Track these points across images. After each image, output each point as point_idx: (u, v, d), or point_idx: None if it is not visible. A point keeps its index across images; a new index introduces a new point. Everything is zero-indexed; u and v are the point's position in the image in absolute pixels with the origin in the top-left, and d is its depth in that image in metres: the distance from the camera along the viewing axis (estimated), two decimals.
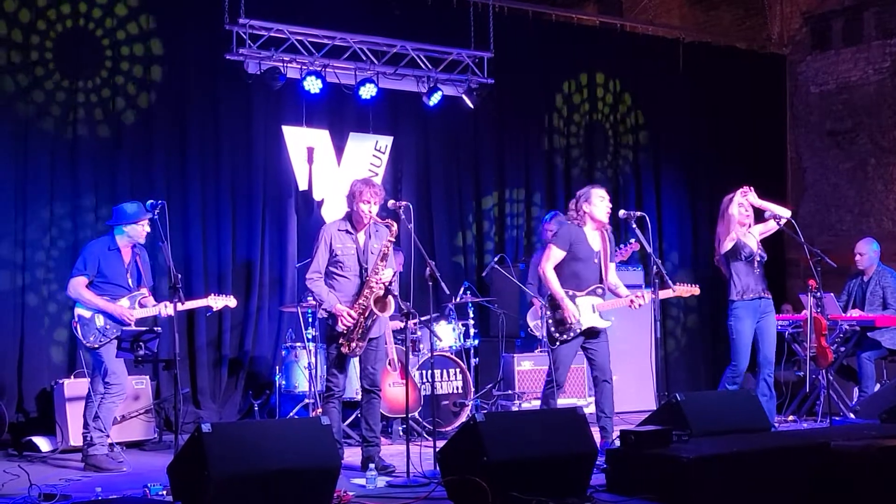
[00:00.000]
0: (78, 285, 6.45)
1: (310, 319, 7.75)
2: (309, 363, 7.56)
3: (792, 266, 11.18)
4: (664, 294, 6.77)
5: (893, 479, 5.08)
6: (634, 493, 5.19)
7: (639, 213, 6.78)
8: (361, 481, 5.72)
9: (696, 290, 6.97)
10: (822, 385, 7.90)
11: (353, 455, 6.57)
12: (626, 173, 10.67)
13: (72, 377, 7.35)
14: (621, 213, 6.75)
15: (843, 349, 8.54)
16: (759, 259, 7.26)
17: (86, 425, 6.42)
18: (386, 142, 9.19)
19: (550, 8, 10.68)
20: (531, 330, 8.55)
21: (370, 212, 6.19)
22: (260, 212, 8.66)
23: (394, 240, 6.28)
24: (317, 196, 8.84)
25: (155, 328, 6.43)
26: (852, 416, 8.01)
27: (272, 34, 8.29)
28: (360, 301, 6.16)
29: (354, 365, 6.79)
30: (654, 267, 6.53)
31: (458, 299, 8.31)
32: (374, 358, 6.33)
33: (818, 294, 7.68)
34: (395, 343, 7.58)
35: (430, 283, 6.18)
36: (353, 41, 8.67)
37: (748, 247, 7.22)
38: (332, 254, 6.24)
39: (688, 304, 10.52)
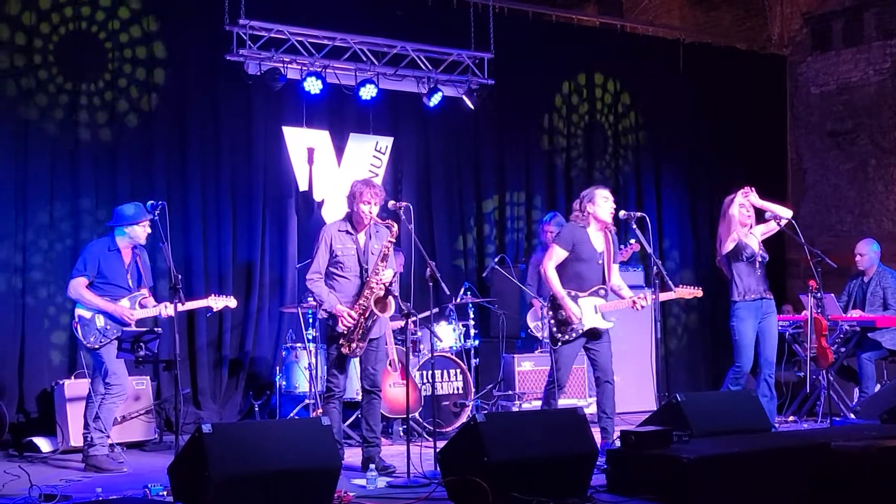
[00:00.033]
0: (78, 286, 6.45)
1: (310, 320, 7.75)
2: (309, 364, 7.56)
3: (792, 266, 11.18)
4: (666, 296, 6.77)
5: (894, 480, 5.09)
6: (635, 494, 5.19)
7: (639, 214, 6.78)
8: (362, 482, 5.72)
9: (698, 293, 6.96)
10: (823, 385, 7.90)
11: (353, 455, 6.57)
12: (627, 174, 10.67)
13: (72, 378, 7.36)
14: (621, 213, 6.74)
15: (843, 350, 8.54)
16: (760, 260, 7.25)
17: (86, 426, 6.42)
18: (386, 142, 9.19)
19: (550, 9, 10.69)
20: (531, 331, 8.56)
21: (370, 212, 6.19)
22: (260, 212, 8.66)
23: (394, 240, 6.28)
24: (317, 197, 8.84)
25: (155, 329, 6.44)
26: (853, 416, 8.01)
27: (272, 35, 8.29)
28: (361, 302, 6.16)
29: (355, 365, 6.80)
30: (655, 267, 6.54)
31: (458, 300, 8.31)
32: (375, 358, 6.32)
33: (818, 294, 7.68)
34: (396, 344, 7.59)
35: (431, 284, 6.19)
36: (354, 42, 8.68)
37: (749, 247, 7.22)
38: (332, 254, 6.24)
39: (688, 305, 10.51)
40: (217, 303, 6.74)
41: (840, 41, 11.36)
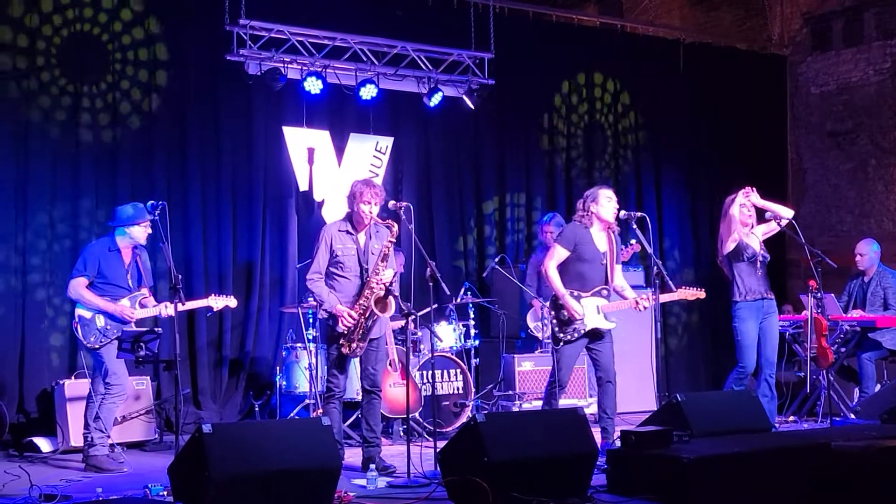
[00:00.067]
0: (78, 286, 6.45)
1: (310, 320, 7.76)
2: (309, 364, 7.56)
3: (793, 267, 11.18)
4: (669, 297, 6.77)
5: (894, 480, 5.09)
6: (635, 494, 5.19)
7: (639, 214, 6.78)
8: (362, 482, 5.72)
9: (701, 294, 6.93)
10: (823, 386, 7.90)
11: (353, 455, 6.57)
12: (627, 174, 10.67)
13: (72, 378, 7.36)
14: (622, 213, 6.73)
15: (843, 350, 8.54)
16: (761, 260, 7.24)
17: (86, 426, 6.43)
18: (386, 142, 9.19)
19: (551, 9, 10.69)
20: (531, 331, 8.56)
21: (371, 212, 6.19)
22: (260, 212, 8.66)
23: (394, 240, 6.28)
24: (317, 197, 8.84)
25: (155, 329, 6.44)
26: (853, 416, 8.01)
27: (273, 35, 8.29)
28: (361, 302, 6.16)
29: (355, 365, 6.80)
30: (655, 268, 6.53)
31: (458, 300, 8.31)
32: (375, 358, 6.32)
33: (819, 295, 7.68)
34: (396, 344, 7.59)
35: (431, 284, 6.19)
36: (354, 42, 8.68)
37: (750, 248, 7.21)
38: (332, 254, 6.24)
39: (689, 304, 10.47)
40: (217, 302, 6.74)
41: (840, 41, 11.36)
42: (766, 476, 5.17)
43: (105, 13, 8.05)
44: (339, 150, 8.98)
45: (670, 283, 6.69)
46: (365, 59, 8.73)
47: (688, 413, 5.73)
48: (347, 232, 6.28)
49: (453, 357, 7.96)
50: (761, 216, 7.38)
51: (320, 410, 6.79)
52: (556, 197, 10.18)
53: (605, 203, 6.65)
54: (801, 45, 11.74)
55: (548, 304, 6.86)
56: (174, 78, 8.30)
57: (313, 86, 8.35)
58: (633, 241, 8.20)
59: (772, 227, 7.37)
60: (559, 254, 6.63)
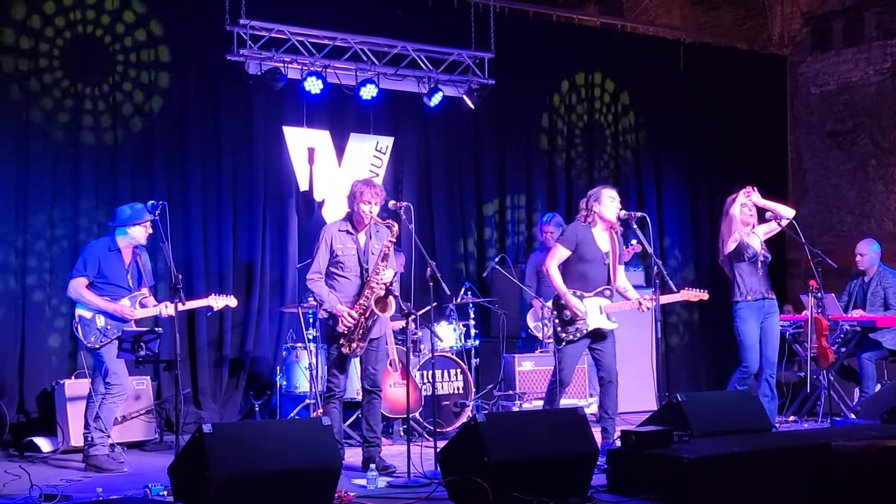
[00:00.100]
0: (78, 286, 6.45)
1: (310, 320, 7.75)
2: (310, 364, 7.56)
3: (793, 266, 11.18)
4: (671, 298, 6.76)
5: (893, 480, 5.08)
6: (635, 494, 5.19)
7: (639, 214, 6.77)
8: (362, 482, 5.72)
9: (703, 295, 6.89)
10: (823, 385, 7.90)
11: (353, 455, 6.57)
12: (626, 174, 10.67)
13: (73, 377, 7.36)
14: (622, 213, 6.73)
15: (843, 350, 8.54)
16: (762, 260, 7.23)
17: (87, 426, 6.43)
18: (387, 142, 9.19)
19: (551, 8, 10.69)
20: (531, 331, 8.56)
21: (371, 212, 6.19)
22: (261, 212, 8.66)
23: (394, 240, 6.28)
24: (317, 196, 8.84)
25: (156, 328, 6.44)
26: (853, 416, 8.01)
27: (273, 35, 8.29)
28: (361, 301, 6.16)
29: (355, 365, 6.80)
30: (655, 267, 6.53)
31: (458, 300, 8.31)
32: (375, 358, 6.32)
33: (819, 294, 7.67)
34: (396, 343, 7.58)
35: (431, 284, 6.19)
36: (354, 42, 8.68)
37: (751, 247, 7.20)
38: (332, 254, 6.24)
39: (689, 304, 10.48)
40: (217, 302, 6.74)
41: (840, 41, 11.36)
42: (767, 476, 5.17)
43: (108, 15, 8.05)
44: (340, 149, 8.98)
45: (670, 283, 6.68)
46: (365, 58, 8.73)
47: (688, 413, 5.73)
48: (348, 232, 6.28)
49: (453, 357, 7.96)
50: (762, 216, 7.38)
51: (320, 410, 6.80)
52: (556, 197, 10.18)
53: (608, 203, 6.65)
54: (801, 44, 11.74)
55: (550, 303, 6.86)
56: (175, 78, 8.30)
57: (313, 86, 8.35)
58: (633, 242, 8.19)
59: (773, 227, 7.36)
60: (560, 253, 6.63)
